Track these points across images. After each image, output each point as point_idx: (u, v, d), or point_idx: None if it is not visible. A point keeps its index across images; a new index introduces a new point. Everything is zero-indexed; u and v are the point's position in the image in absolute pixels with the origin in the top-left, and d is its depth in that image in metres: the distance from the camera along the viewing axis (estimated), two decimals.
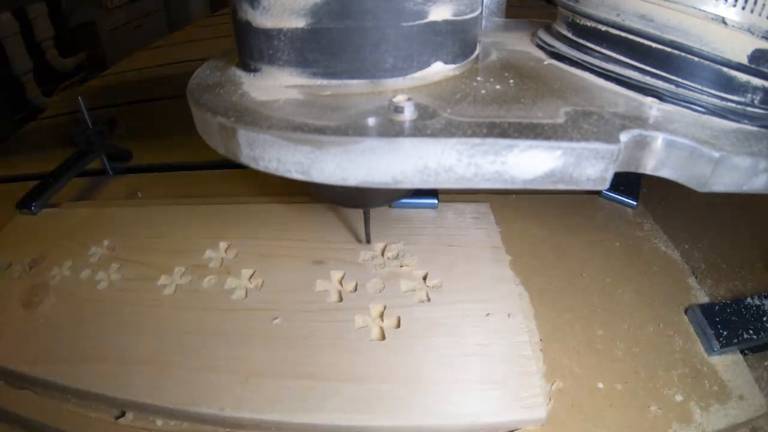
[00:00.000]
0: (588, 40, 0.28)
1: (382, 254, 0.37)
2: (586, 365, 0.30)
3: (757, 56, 0.23)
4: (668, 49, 0.24)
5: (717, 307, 0.32)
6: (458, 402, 0.27)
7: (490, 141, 0.21)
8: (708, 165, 0.22)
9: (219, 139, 0.24)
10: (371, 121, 0.22)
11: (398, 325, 0.31)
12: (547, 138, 0.21)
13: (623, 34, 0.26)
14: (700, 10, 0.23)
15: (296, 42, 0.24)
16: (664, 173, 0.23)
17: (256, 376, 0.29)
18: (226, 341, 0.31)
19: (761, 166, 0.22)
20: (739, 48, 0.23)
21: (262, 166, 0.23)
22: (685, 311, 0.33)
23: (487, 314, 0.32)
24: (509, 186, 0.22)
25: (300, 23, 0.23)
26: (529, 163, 0.21)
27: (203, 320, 0.33)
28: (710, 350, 0.30)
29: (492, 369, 0.29)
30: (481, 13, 0.32)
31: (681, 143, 0.22)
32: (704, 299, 0.34)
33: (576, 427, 0.26)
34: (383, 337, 0.31)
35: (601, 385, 0.28)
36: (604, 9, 0.26)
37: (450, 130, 0.21)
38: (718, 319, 0.31)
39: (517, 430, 0.27)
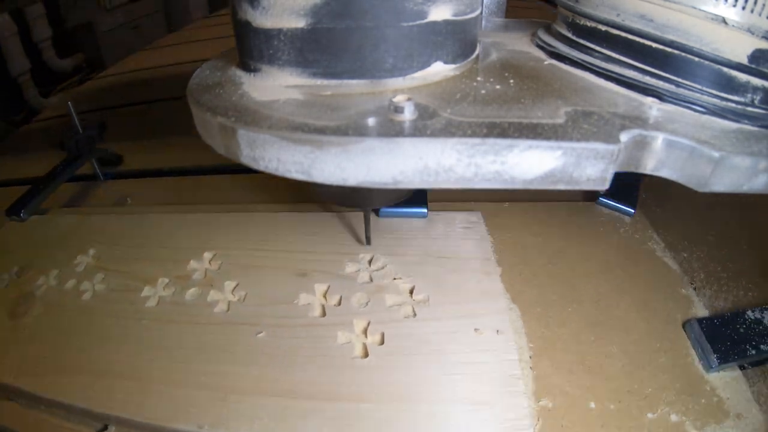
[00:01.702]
0: (588, 40, 0.28)
1: (369, 265, 0.37)
2: (577, 384, 0.29)
3: (757, 56, 0.23)
4: (668, 49, 0.24)
5: (716, 321, 0.31)
6: (442, 423, 0.27)
7: (490, 141, 0.21)
8: (708, 165, 0.22)
9: (219, 139, 0.24)
10: (371, 121, 0.22)
11: (382, 342, 0.31)
12: (547, 138, 0.21)
13: (623, 34, 0.26)
14: (700, 10, 0.23)
15: (296, 42, 0.24)
16: (664, 173, 0.23)
17: (235, 393, 0.29)
18: (207, 356, 0.31)
19: (761, 166, 0.22)
20: (739, 48, 0.23)
21: (262, 166, 0.23)
22: (683, 325, 0.32)
23: (476, 329, 0.31)
24: (509, 186, 0.22)
25: (300, 23, 0.23)
26: (529, 163, 0.21)
27: (185, 334, 0.32)
28: (708, 367, 0.29)
29: (479, 389, 0.28)
30: (481, 13, 0.32)
31: (681, 143, 0.22)
32: (703, 311, 0.33)
33: None
34: (366, 355, 0.30)
35: (593, 405, 0.28)
36: (604, 9, 0.26)
37: (450, 130, 0.21)
38: (716, 334, 0.30)
39: None
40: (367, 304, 0.33)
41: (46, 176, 0.50)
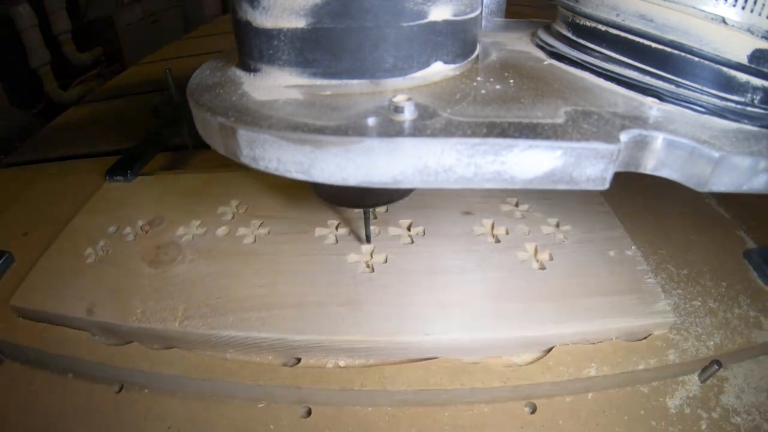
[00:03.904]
0: (588, 40, 0.28)
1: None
2: (688, 291, 0.36)
3: (757, 56, 0.23)
4: (668, 49, 0.24)
5: None
6: (594, 309, 0.32)
7: (490, 141, 0.21)
8: (708, 165, 0.22)
9: (219, 139, 0.24)
10: (371, 121, 0.22)
11: (385, 261, 0.36)
12: (547, 138, 0.21)
13: (623, 34, 0.26)
14: (700, 10, 0.23)
15: (296, 42, 0.24)
16: (664, 173, 0.23)
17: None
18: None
19: (761, 165, 0.22)
20: (739, 48, 0.23)
21: (262, 165, 0.23)
22: (743, 254, 0.39)
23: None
24: (509, 186, 0.22)
25: (300, 23, 0.23)
26: (529, 162, 0.21)
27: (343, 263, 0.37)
28: (766, 281, 0.37)
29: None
30: (481, 13, 0.32)
31: (681, 143, 0.22)
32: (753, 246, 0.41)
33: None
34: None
35: (699, 302, 0.35)
36: (603, 9, 0.26)
37: (450, 130, 0.21)
38: None
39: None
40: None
41: (146, 140, 0.53)
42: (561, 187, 0.22)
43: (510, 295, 0.34)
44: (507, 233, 0.39)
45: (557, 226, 0.40)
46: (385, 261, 0.37)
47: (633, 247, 0.38)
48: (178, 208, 0.43)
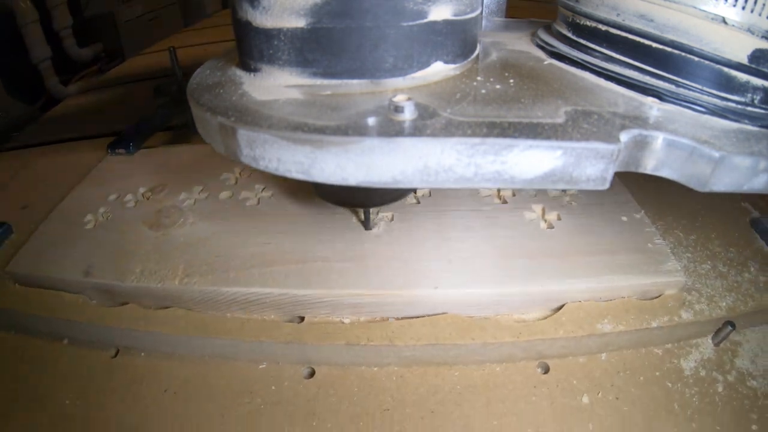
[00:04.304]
0: (588, 40, 0.28)
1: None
2: (699, 254, 0.37)
3: (757, 56, 0.23)
4: (668, 49, 0.24)
5: None
6: (603, 266, 0.32)
7: (489, 141, 0.21)
8: (708, 165, 0.22)
9: (219, 138, 0.24)
10: (371, 120, 0.22)
11: (392, 219, 0.37)
12: (547, 138, 0.21)
13: (623, 34, 0.26)
14: (700, 10, 0.23)
15: (296, 42, 0.24)
16: (664, 173, 0.23)
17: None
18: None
19: (761, 165, 0.22)
20: (739, 48, 0.23)
21: (262, 165, 0.23)
22: (750, 222, 0.40)
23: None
24: (509, 186, 0.22)
25: (300, 23, 0.23)
26: (529, 162, 0.21)
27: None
28: None
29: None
30: (481, 12, 0.32)
31: (681, 143, 0.22)
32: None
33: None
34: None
35: (709, 265, 0.36)
36: (604, 9, 0.26)
37: (450, 130, 0.21)
38: None
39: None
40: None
41: (149, 116, 0.53)
42: (561, 186, 0.22)
43: (518, 252, 0.34)
44: (513, 195, 0.39)
45: (564, 190, 0.40)
46: (392, 219, 0.37)
47: (640, 211, 0.38)
48: (180, 176, 0.43)
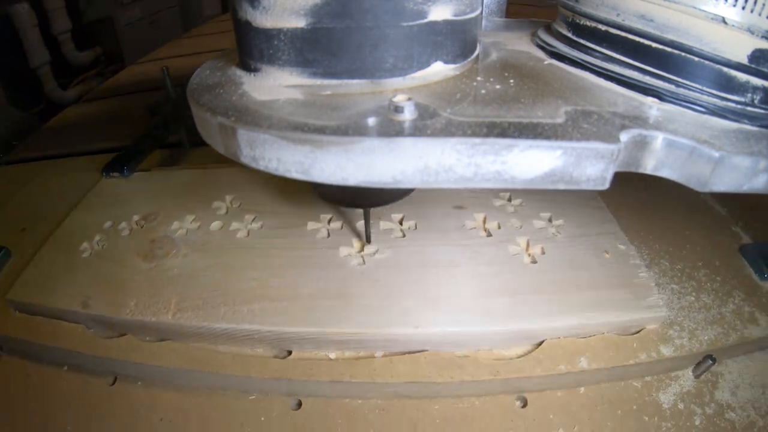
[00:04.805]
0: (588, 40, 0.28)
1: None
2: (684, 283, 0.37)
3: (757, 56, 0.23)
4: (668, 49, 0.24)
5: (765, 245, 0.39)
6: (585, 303, 0.32)
7: (490, 141, 0.21)
8: (708, 165, 0.22)
9: (219, 138, 0.24)
10: (371, 120, 0.22)
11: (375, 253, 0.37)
12: (547, 138, 0.21)
13: (623, 34, 0.26)
14: (700, 10, 0.23)
15: (296, 42, 0.24)
16: (664, 173, 0.23)
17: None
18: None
19: (761, 165, 0.22)
20: (739, 48, 0.23)
21: (262, 165, 0.23)
22: (739, 249, 0.39)
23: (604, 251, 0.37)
24: (509, 186, 0.22)
25: (300, 23, 0.23)
26: (529, 162, 0.21)
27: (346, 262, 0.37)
28: (762, 277, 0.37)
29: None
30: (481, 13, 0.32)
31: (681, 143, 0.22)
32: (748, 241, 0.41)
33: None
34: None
35: (693, 298, 0.35)
36: (603, 9, 0.26)
37: (450, 130, 0.21)
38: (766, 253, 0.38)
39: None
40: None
41: (142, 137, 0.52)
42: (561, 186, 0.22)
43: (500, 289, 0.34)
44: (499, 227, 0.39)
45: (549, 220, 0.40)
46: (375, 253, 0.37)
47: (626, 242, 0.38)
48: (173, 203, 0.43)
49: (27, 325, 0.35)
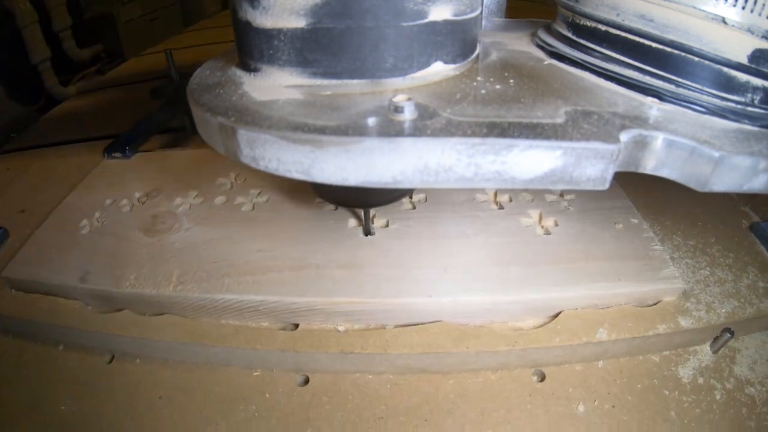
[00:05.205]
0: (588, 40, 0.28)
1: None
2: (697, 261, 0.36)
3: (757, 56, 0.23)
4: (668, 49, 0.24)
5: None
6: (600, 273, 0.32)
7: (490, 141, 0.21)
8: (708, 165, 0.22)
9: (219, 138, 0.24)
10: (371, 120, 0.22)
11: (386, 225, 0.37)
12: (547, 138, 0.21)
13: (623, 34, 0.26)
14: (700, 10, 0.23)
15: (296, 42, 0.24)
16: (664, 173, 0.23)
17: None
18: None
19: (761, 166, 0.22)
20: (739, 48, 0.23)
21: (262, 165, 0.23)
22: (750, 227, 0.39)
23: (615, 223, 0.37)
24: (509, 186, 0.22)
25: (300, 23, 0.23)
26: (529, 162, 0.21)
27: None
28: None
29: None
30: (481, 13, 0.32)
31: (681, 143, 0.22)
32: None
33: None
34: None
35: (707, 271, 0.35)
36: (603, 9, 0.26)
37: (450, 130, 0.21)
38: None
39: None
40: None
41: (145, 119, 0.53)
42: (561, 187, 0.22)
43: (514, 259, 0.33)
44: (510, 200, 0.39)
45: (561, 195, 0.40)
46: (386, 225, 0.37)
47: (638, 216, 0.37)
48: (176, 180, 0.43)
49: (23, 303, 0.34)
